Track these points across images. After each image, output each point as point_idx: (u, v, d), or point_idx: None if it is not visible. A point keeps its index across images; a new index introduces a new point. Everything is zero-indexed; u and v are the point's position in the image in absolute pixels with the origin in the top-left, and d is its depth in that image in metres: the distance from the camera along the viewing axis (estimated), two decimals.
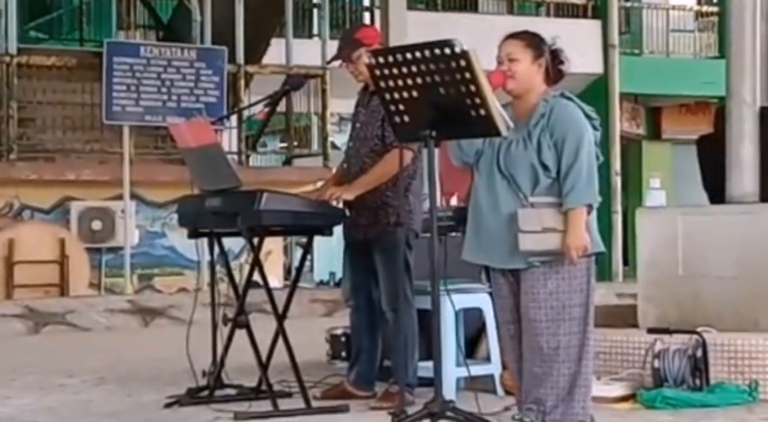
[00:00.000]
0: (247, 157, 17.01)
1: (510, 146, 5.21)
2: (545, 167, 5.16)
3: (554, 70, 5.33)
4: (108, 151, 15.12)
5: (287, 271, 18.19)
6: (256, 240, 6.24)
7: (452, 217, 7.60)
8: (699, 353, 6.37)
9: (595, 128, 5.26)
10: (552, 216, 5.14)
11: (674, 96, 22.84)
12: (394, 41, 13.60)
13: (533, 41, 5.31)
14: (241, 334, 6.32)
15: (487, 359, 6.72)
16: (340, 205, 6.28)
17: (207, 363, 6.62)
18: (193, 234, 6.69)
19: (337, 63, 6.59)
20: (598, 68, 19.43)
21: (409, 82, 5.03)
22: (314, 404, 6.19)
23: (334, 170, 7.24)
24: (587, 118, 5.24)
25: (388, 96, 5.14)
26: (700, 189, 8.41)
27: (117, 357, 9.23)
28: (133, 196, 14.80)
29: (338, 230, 6.45)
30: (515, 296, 5.31)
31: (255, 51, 16.62)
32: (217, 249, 6.67)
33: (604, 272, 17.11)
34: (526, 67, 5.25)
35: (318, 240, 6.49)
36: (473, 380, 6.29)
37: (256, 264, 6.34)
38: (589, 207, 5.18)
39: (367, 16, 20.86)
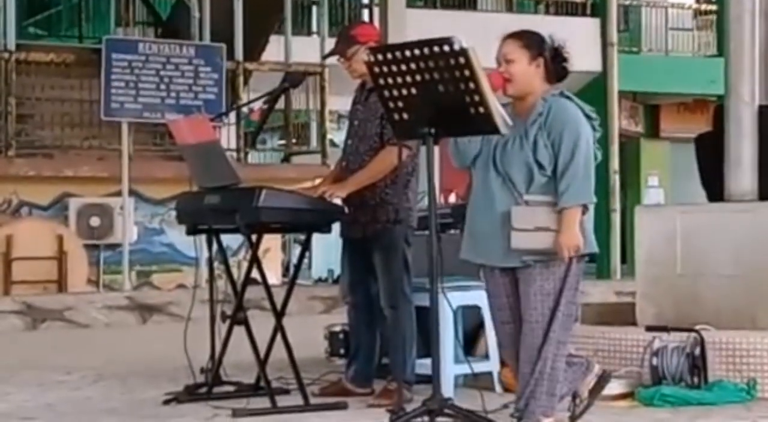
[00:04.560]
0: (246, 154, 16.99)
1: (506, 144, 5.19)
2: (540, 165, 5.13)
3: (556, 68, 5.27)
4: (106, 147, 15.11)
5: (285, 268, 18.21)
6: (254, 237, 6.24)
7: (451, 214, 7.60)
8: (697, 351, 6.37)
9: (594, 128, 5.23)
10: (546, 215, 5.12)
11: (673, 94, 22.87)
12: (393, 39, 13.57)
13: (531, 41, 5.24)
14: (239, 331, 6.31)
15: (486, 356, 6.72)
16: (338, 202, 6.28)
17: (205, 359, 6.62)
18: (192, 231, 6.69)
19: (334, 58, 6.59)
20: (596, 66, 19.42)
21: (408, 79, 5.03)
22: (312, 401, 6.19)
23: (332, 167, 7.23)
24: (587, 118, 5.21)
25: (387, 93, 5.14)
26: (699, 187, 8.41)
27: (115, 354, 9.23)
28: (132, 193, 14.79)
29: (336, 227, 6.45)
30: (511, 296, 5.31)
31: (254, 48, 16.61)
32: (215, 246, 6.67)
33: (602, 270, 17.11)
34: (523, 68, 5.20)
35: (316, 238, 6.49)
36: (474, 377, 6.30)
37: (255, 261, 6.33)
38: (584, 207, 5.16)
39: (366, 13, 20.87)
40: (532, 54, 5.21)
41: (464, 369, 6.69)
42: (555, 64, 5.27)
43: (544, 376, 5.18)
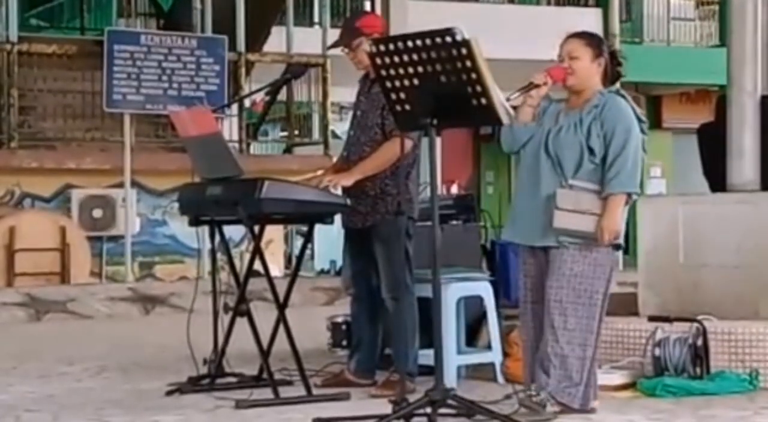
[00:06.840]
0: (248, 145, 16.98)
1: (560, 130, 5.44)
2: (591, 151, 5.37)
3: (612, 71, 5.58)
4: (109, 139, 15.10)
5: (288, 260, 18.19)
6: (256, 229, 6.24)
7: (452, 205, 7.61)
8: (699, 341, 6.37)
9: (643, 132, 5.46)
10: (589, 200, 5.35)
11: (675, 85, 22.83)
12: (394, 30, 13.54)
13: (592, 40, 5.57)
14: (242, 322, 6.32)
15: (488, 347, 6.72)
16: (339, 192, 6.28)
17: (208, 351, 6.62)
18: (194, 223, 6.69)
19: (337, 49, 6.59)
20: None
21: (410, 70, 5.04)
22: (315, 392, 6.20)
23: (335, 159, 7.23)
24: (638, 120, 5.45)
25: (389, 84, 5.15)
26: (701, 177, 8.41)
27: (118, 345, 9.24)
28: (134, 184, 14.78)
29: (339, 218, 6.46)
30: (543, 276, 5.48)
31: (256, 39, 16.59)
32: (218, 238, 6.67)
33: None
34: (586, 64, 5.49)
35: (319, 229, 6.49)
36: (476, 368, 6.32)
37: (257, 252, 6.34)
38: (629, 196, 5.39)
39: (368, 4, 20.83)
40: (594, 52, 5.52)
41: (466, 359, 6.71)
42: (612, 66, 5.58)
43: (563, 359, 5.33)
